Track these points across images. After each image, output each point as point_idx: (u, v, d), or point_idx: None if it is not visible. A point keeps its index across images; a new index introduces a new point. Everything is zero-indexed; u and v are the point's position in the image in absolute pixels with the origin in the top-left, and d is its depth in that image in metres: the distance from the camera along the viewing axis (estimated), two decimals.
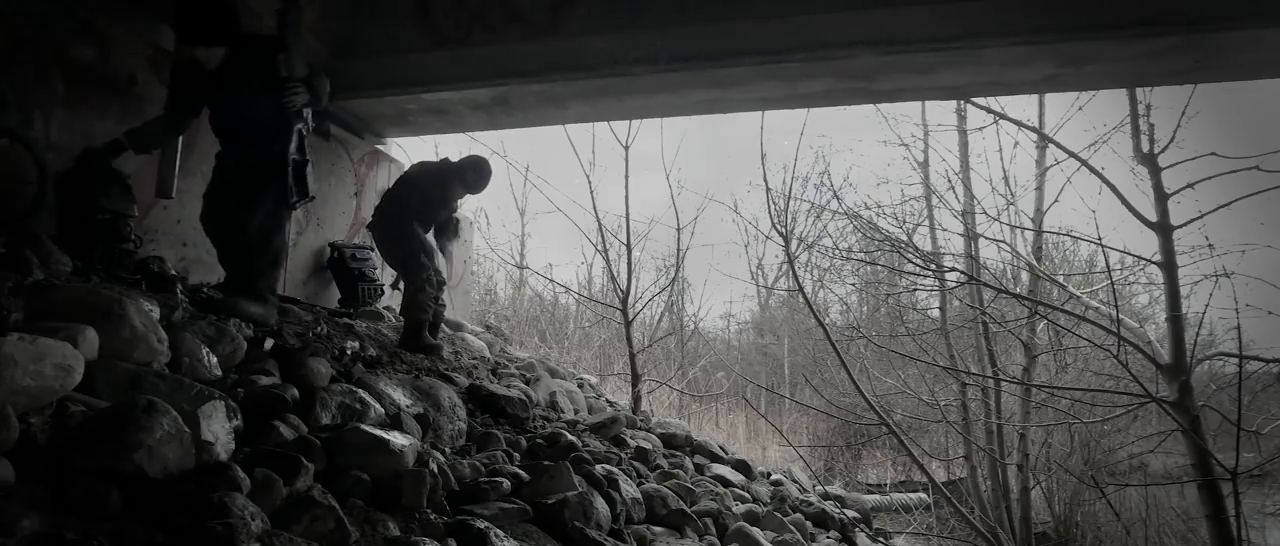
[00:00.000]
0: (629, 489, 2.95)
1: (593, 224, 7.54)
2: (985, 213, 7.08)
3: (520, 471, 2.62)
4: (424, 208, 4.31)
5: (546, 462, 2.72)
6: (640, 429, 4.75)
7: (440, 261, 4.37)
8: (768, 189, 6.14)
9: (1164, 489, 7.46)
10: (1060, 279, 6.90)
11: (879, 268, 8.13)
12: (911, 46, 3.78)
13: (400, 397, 2.90)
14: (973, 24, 3.65)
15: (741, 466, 4.77)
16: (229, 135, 3.35)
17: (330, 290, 5.07)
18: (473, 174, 4.39)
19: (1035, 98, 6.95)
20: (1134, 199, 5.01)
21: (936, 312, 8.46)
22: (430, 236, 4.41)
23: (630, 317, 6.77)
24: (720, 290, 20.54)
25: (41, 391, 1.70)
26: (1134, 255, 5.53)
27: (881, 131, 18.94)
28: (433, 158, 4.86)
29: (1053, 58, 3.85)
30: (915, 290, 8.94)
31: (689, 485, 3.58)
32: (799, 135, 16.16)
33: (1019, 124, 6.28)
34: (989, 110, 5.99)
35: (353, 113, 5.05)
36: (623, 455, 3.68)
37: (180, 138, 3.47)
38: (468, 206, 5.51)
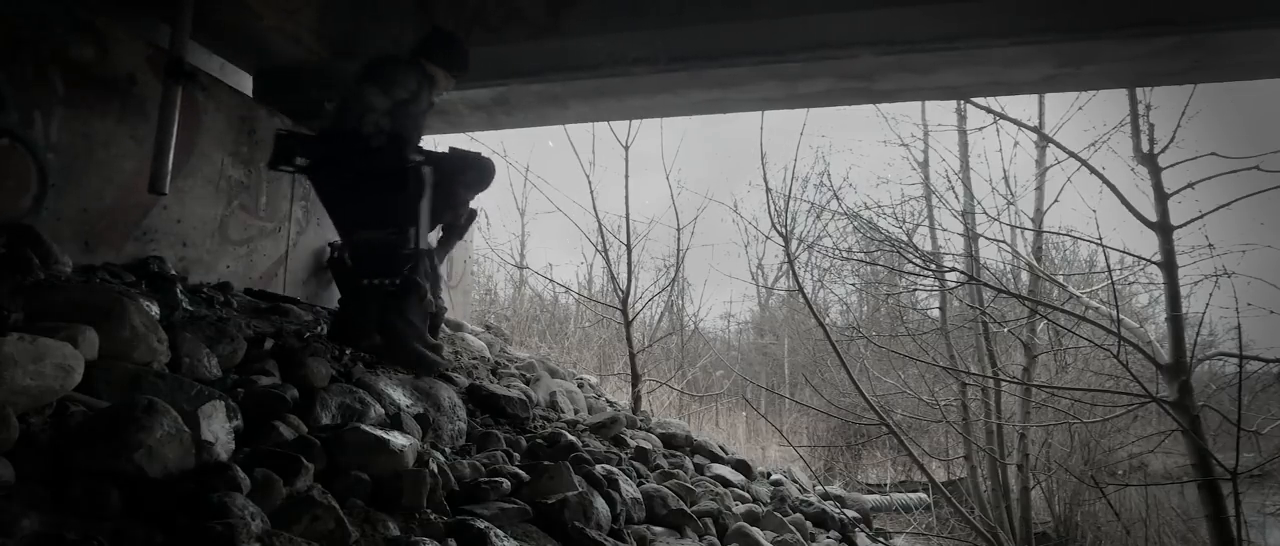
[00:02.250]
0: (629, 489, 2.95)
1: (593, 224, 7.55)
2: (985, 213, 7.11)
3: (520, 471, 2.62)
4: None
5: (546, 462, 2.72)
6: (640, 429, 4.74)
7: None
8: (768, 189, 6.17)
9: (1164, 489, 7.46)
10: (1060, 279, 6.90)
11: (879, 267, 8.14)
12: (911, 46, 3.77)
13: (400, 397, 2.90)
14: (973, 24, 3.64)
15: (741, 466, 4.76)
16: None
17: (330, 290, 5.05)
18: (474, 174, 4.23)
19: (1035, 97, 6.96)
20: (1134, 199, 5.03)
21: (936, 312, 8.47)
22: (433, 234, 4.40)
23: (630, 317, 6.77)
24: (720, 290, 20.58)
25: (41, 391, 1.70)
26: (1134, 255, 5.56)
27: (881, 131, 18.97)
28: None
29: (1052, 58, 3.84)
30: (915, 290, 8.96)
31: (689, 485, 3.57)
32: (799, 135, 16.12)
33: (1019, 124, 6.30)
34: (989, 110, 6.01)
35: None
36: (623, 455, 3.67)
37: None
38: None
